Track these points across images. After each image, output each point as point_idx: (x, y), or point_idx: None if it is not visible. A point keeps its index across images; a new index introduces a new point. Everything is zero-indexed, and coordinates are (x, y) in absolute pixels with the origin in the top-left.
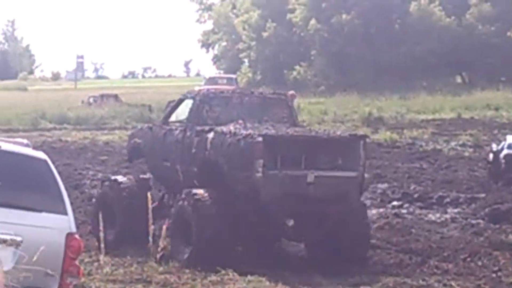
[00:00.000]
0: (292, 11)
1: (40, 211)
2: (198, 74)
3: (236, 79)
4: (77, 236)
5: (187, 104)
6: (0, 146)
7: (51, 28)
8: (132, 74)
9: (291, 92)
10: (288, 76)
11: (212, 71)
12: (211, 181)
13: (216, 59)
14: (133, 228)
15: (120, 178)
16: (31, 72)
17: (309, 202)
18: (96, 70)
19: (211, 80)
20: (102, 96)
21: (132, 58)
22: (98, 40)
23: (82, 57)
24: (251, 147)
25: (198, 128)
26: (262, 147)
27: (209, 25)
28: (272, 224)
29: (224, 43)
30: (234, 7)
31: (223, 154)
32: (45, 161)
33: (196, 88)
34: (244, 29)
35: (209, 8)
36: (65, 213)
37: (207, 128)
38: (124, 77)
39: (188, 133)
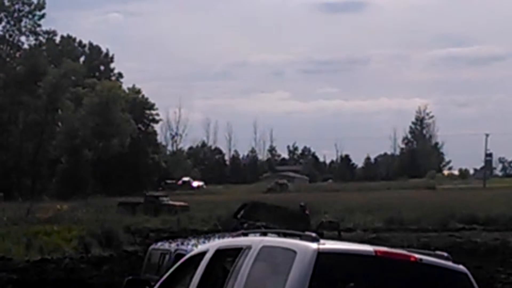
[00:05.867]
0: None
1: None
2: None
3: None
4: None
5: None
6: (421, 259)
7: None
8: None
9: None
10: None
11: None
12: None
13: None
14: None
15: None
16: (439, 170)
17: None
18: (504, 168)
19: None
20: None
21: None
22: (507, 138)
23: (490, 155)
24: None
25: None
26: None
27: None
28: None
29: None
30: None
31: None
32: (465, 274)
33: None
34: None
35: None
36: None
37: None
38: None
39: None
